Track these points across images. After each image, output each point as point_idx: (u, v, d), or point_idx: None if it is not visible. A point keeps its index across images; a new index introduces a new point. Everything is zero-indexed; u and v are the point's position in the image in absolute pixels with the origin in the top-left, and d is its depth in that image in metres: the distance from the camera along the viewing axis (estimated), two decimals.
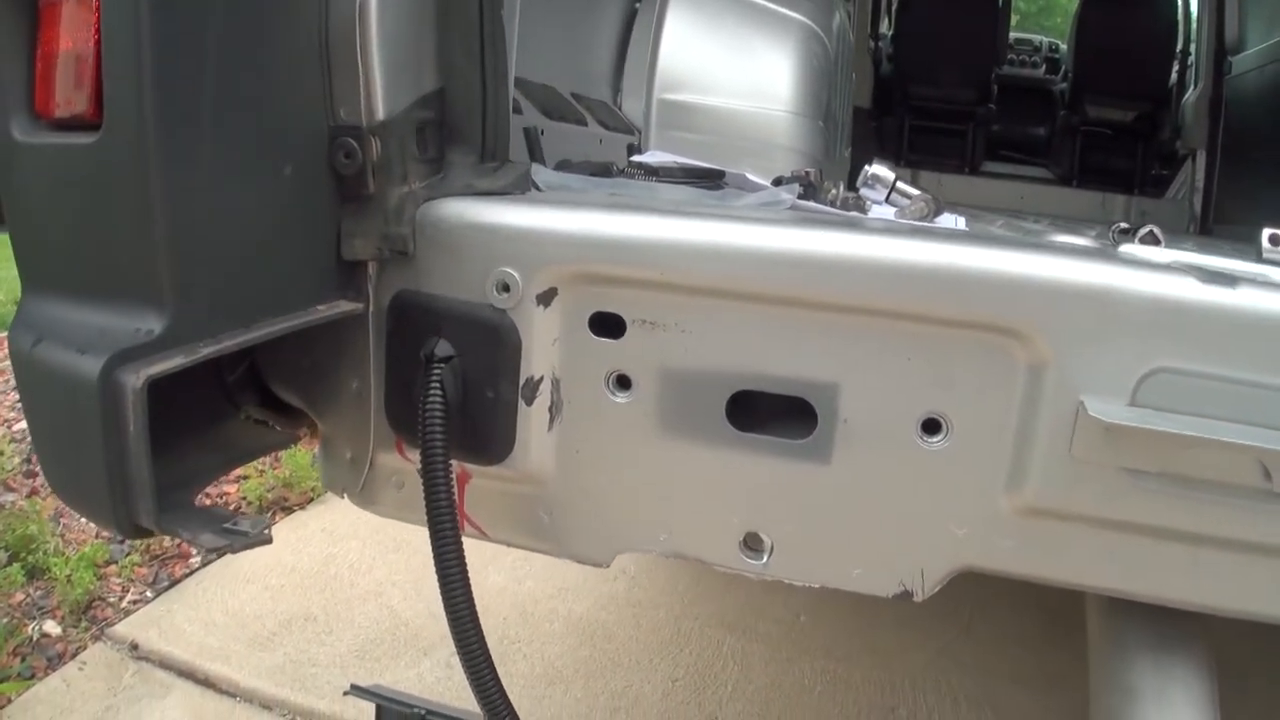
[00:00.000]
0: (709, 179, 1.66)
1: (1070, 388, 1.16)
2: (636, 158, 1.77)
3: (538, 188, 1.48)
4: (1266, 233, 1.57)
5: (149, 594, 3.48)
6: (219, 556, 3.64)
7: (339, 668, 3.05)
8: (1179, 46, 8.33)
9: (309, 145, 1.30)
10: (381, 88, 1.30)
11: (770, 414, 1.28)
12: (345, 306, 1.37)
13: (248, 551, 3.81)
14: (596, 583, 3.61)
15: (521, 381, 1.31)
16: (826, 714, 2.96)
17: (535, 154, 1.73)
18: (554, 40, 2.35)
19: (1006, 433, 1.19)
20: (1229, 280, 1.16)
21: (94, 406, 1.10)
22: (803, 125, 2.80)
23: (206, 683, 2.97)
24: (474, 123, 1.40)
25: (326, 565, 3.65)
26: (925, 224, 1.59)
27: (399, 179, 1.33)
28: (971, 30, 8.23)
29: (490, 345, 1.31)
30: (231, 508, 4.09)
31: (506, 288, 1.28)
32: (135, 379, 1.09)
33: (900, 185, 1.79)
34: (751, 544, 1.32)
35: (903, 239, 1.19)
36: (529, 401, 1.32)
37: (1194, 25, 7.97)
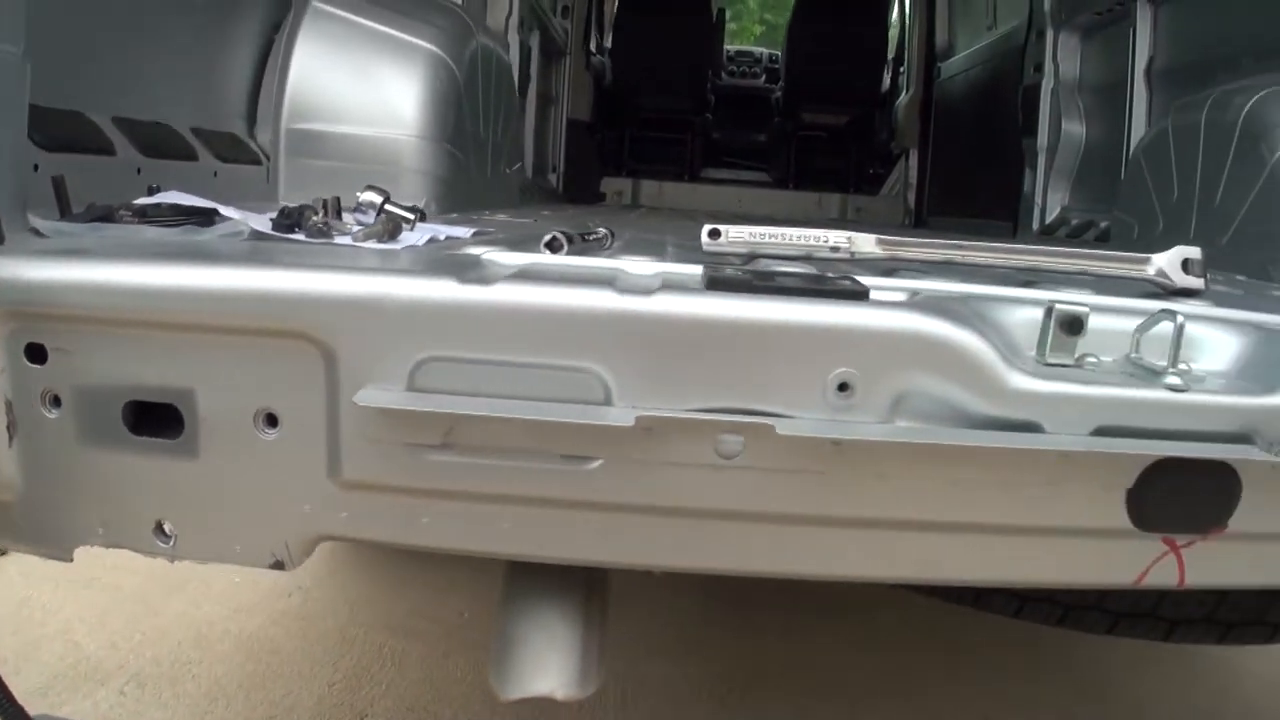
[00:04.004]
0: (200, 217, 1.91)
1: (357, 380, 1.42)
2: (141, 200, 1.99)
3: (40, 234, 1.70)
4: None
5: None
6: None
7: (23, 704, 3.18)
8: (892, 54, 8.95)
9: None
10: None
11: (166, 419, 1.53)
12: None
13: None
14: (271, 600, 3.81)
15: None
16: (473, 703, 3.21)
17: (62, 202, 1.94)
18: (179, 76, 2.52)
19: (320, 422, 1.46)
20: (485, 280, 1.43)
21: None
22: (428, 148, 3.02)
23: None
24: None
25: (20, 608, 3.76)
26: (361, 244, 1.83)
27: None
28: (685, 45, 8.75)
29: None
30: None
31: None
32: None
33: (388, 207, 2.04)
34: (163, 530, 1.57)
35: (208, 267, 1.46)
36: None
37: (907, 34, 8.61)
